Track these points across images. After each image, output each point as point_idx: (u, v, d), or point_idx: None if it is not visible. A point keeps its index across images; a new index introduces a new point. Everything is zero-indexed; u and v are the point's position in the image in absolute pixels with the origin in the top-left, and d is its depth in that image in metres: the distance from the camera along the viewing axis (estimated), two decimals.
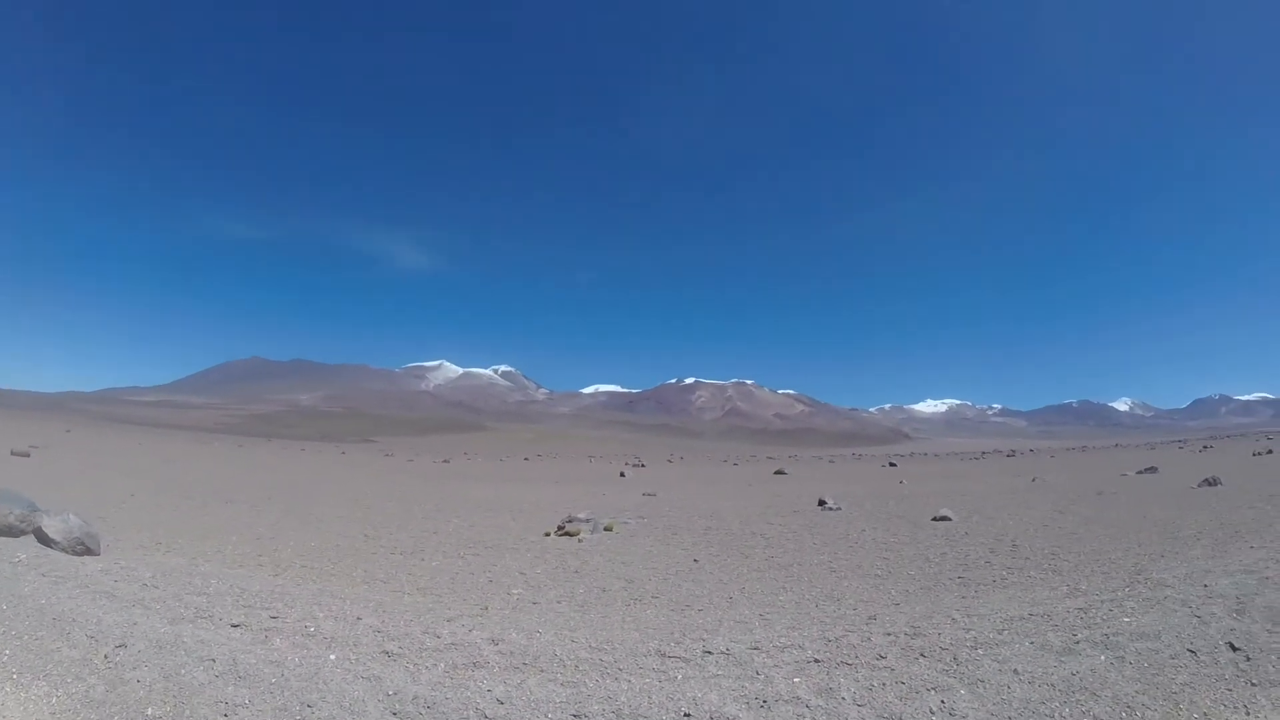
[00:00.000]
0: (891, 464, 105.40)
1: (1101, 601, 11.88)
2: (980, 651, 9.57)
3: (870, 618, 12.26)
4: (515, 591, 16.22)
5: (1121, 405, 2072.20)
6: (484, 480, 61.02)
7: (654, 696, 8.63)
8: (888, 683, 8.82)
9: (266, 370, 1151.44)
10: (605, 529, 26.92)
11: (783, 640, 10.69)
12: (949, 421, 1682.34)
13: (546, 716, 8.21)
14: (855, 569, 18.42)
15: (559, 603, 15.12)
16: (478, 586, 16.90)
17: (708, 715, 8.11)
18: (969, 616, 11.52)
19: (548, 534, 25.55)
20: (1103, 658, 9.16)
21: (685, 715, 8.08)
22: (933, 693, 8.45)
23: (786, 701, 8.42)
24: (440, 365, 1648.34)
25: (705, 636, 11.15)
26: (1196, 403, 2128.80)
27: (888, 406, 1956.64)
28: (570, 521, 27.04)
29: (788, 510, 32.90)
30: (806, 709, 8.25)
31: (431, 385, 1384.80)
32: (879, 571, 18.00)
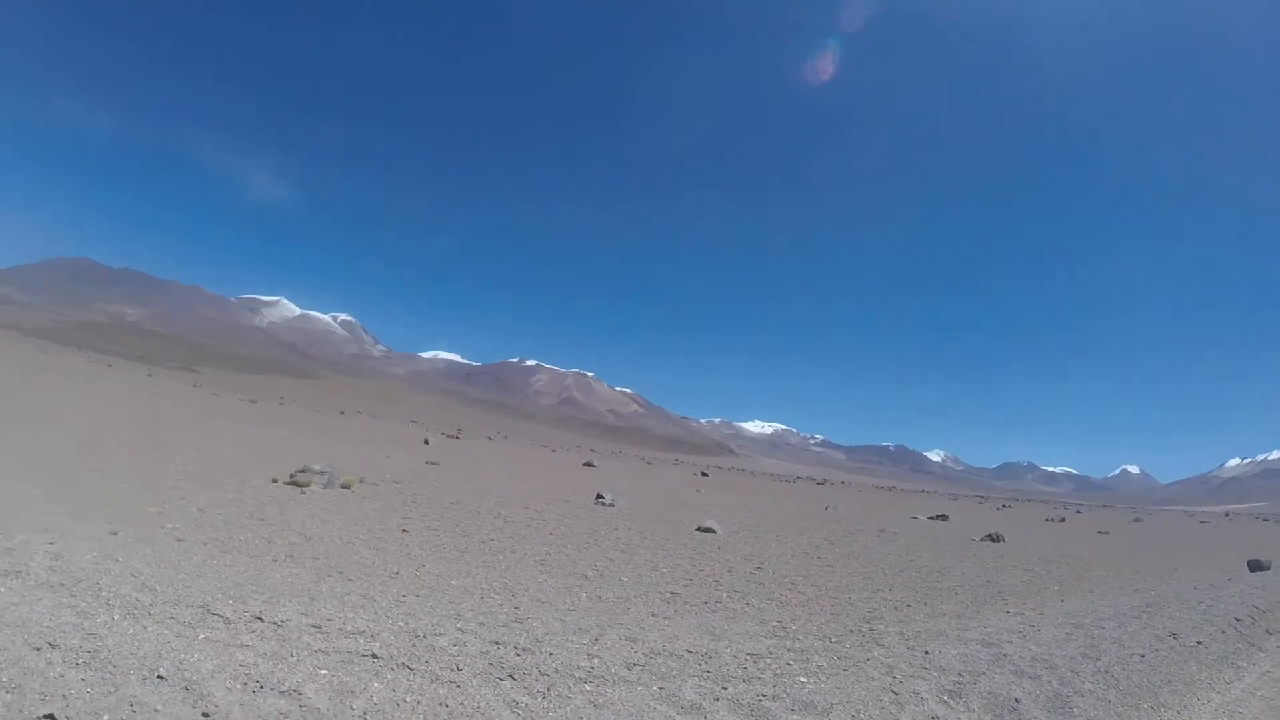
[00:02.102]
0: (704, 473, 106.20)
1: (794, 650, 10.28)
2: (594, 688, 7.92)
3: (517, 620, 10.65)
4: (170, 525, 15.15)
5: (935, 455, 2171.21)
6: (279, 426, 59.39)
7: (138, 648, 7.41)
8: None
9: (95, 275, 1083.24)
10: (342, 485, 25.29)
11: (346, 620, 9.28)
12: (773, 443, 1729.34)
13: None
14: (567, 566, 17.19)
15: (204, 545, 14.02)
16: (145, 518, 15.52)
17: (181, 677, 6.85)
18: (632, 642, 9.78)
19: (275, 480, 24.16)
20: None
21: (159, 677, 6.80)
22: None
23: (283, 694, 6.89)
24: (278, 302, 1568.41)
25: (272, 602, 9.75)
26: (1005, 465, 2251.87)
27: (718, 420, 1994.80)
28: (303, 472, 25.00)
29: (559, 499, 31.70)
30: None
31: (265, 322, 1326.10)
32: (590, 573, 16.57)
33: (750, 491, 67.32)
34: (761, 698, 8.09)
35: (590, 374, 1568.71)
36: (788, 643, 10.76)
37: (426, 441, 71.69)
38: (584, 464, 78.10)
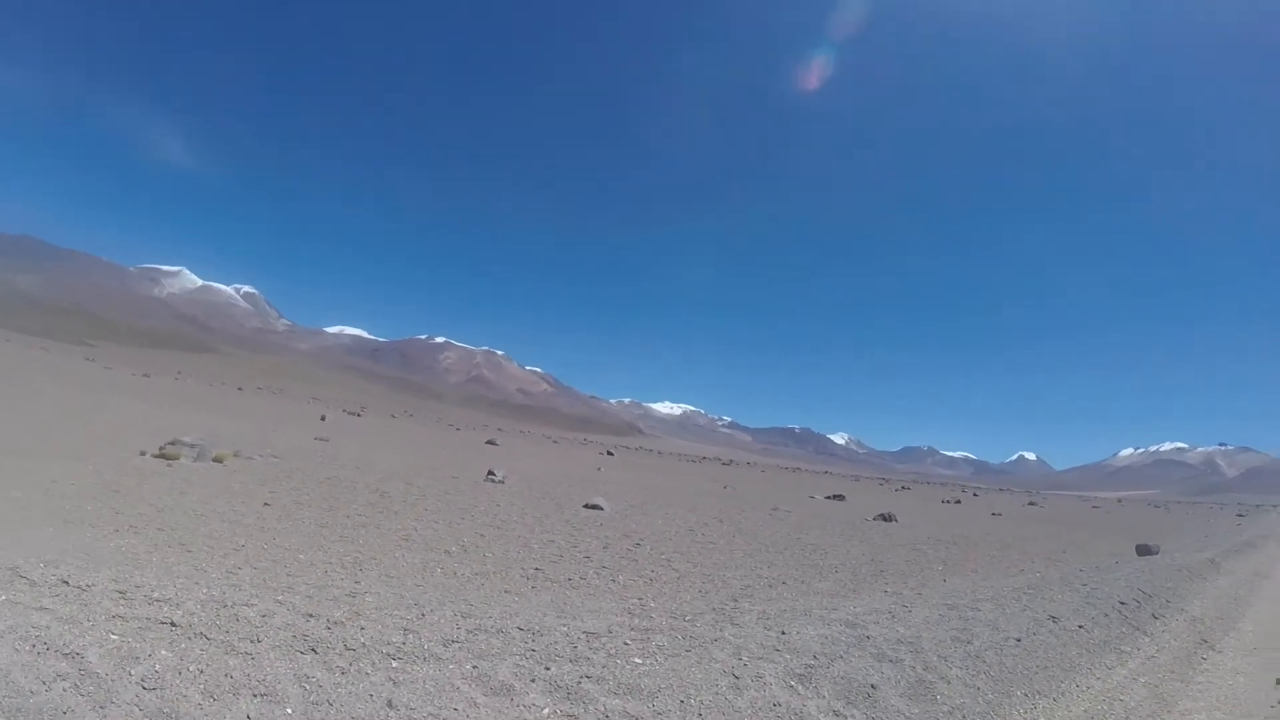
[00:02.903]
0: (609, 453, 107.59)
1: (639, 629, 9.63)
2: (401, 664, 7.38)
3: (350, 594, 10.05)
4: (14, 494, 14.99)
5: (839, 438, 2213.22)
6: (166, 401, 57.43)
7: None
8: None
9: None
10: (214, 459, 24.40)
11: (155, 588, 8.80)
12: (682, 424, 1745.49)
13: None
14: (432, 541, 16.44)
15: (45, 515, 13.67)
16: None
17: None
18: (464, 618, 9.23)
19: (143, 453, 23.58)
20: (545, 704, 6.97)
21: None
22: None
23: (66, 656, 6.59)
24: (179, 272, 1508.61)
25: (87, 568, 9.41)
26: (906, 449, 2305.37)
27: (627, 400, 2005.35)
28: (172, 444, 24.26)
29: (448, 476, 31.06)
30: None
31: (165, 293, 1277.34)
32: (454, 549, 15.80)
33: (652, 471, 67.69)
34: (584, 679, 7.51)
35: (500, 353, 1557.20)
36: (637, 621, 10.13)
37: (323, 418, 70.06)
38: (486, 442, 77.32)
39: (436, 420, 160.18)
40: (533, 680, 7.30)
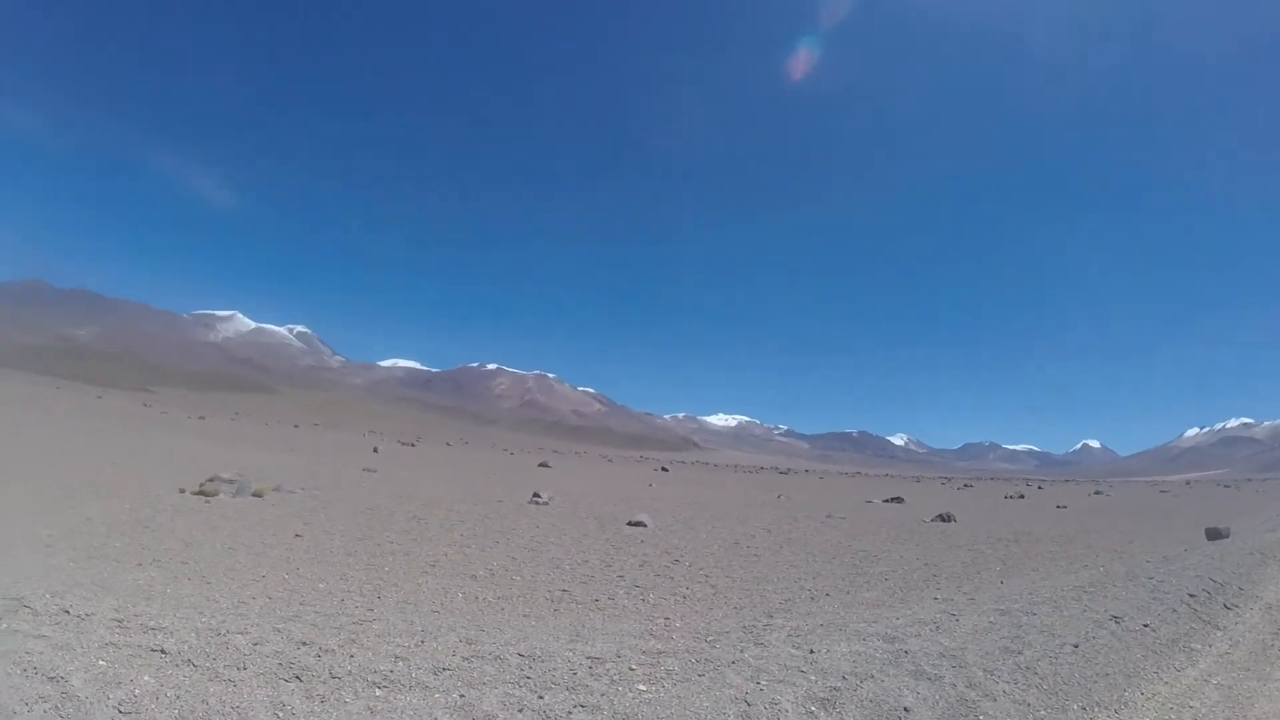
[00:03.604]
0: (664, 469, 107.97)
1: (651, 652, 8.99)
2: (385, 694, 7.16)
3: (359, 622, 9.77)
4: (45, 532, 15.25)
5: (898, 440, 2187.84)
6: (219, 441, 58.53)
7: None
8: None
9: (45, 296, 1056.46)
10: (253, 494, 24.68)
11: (154, 617, 8.87)
12: (737, 435, 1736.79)
13: None
14: (460, 567, 16.21)
15: (71, 550, 13.96)
16: (22, 525, 15.77)
17: None
18: (468, 644, 8.83)
19: (183, 490, 23.81)
20: None
21: None
22: None
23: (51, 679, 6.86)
24: (233, 316, 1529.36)
25: (91, 599, 9.55)
26: (967, 446, 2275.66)
27: (681, 415, 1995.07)
28: (211, 481, 24.60)
29: (491, 500, 30.89)
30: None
31: (220, 337, 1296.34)
32: (481, 574, 15.63)
33: (705, 484, 66.92)
34: (577, 708, 7.09)
35: (552, 375, 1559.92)
36: (653, 643, 9.48)
37: (375, 450, 70.67)
38: (538, 465, 77.36)
39: (491, 446, 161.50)
40: (520, 710, 6.93)
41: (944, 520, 33.14)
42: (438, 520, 22.89)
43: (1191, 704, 8.57)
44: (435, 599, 12.82)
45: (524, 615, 11.98)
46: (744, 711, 7.18)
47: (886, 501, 50.47)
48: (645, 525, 25.07)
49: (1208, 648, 10.86)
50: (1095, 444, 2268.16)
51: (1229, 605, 13.55)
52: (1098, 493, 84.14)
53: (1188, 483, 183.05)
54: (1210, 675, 9.65)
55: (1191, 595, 13.41)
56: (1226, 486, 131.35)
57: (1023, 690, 8.13)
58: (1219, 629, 11.97)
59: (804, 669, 8.41)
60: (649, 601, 13.64)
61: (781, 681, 7.99)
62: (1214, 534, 25.07)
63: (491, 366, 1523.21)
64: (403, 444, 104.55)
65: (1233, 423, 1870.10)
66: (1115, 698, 8.40)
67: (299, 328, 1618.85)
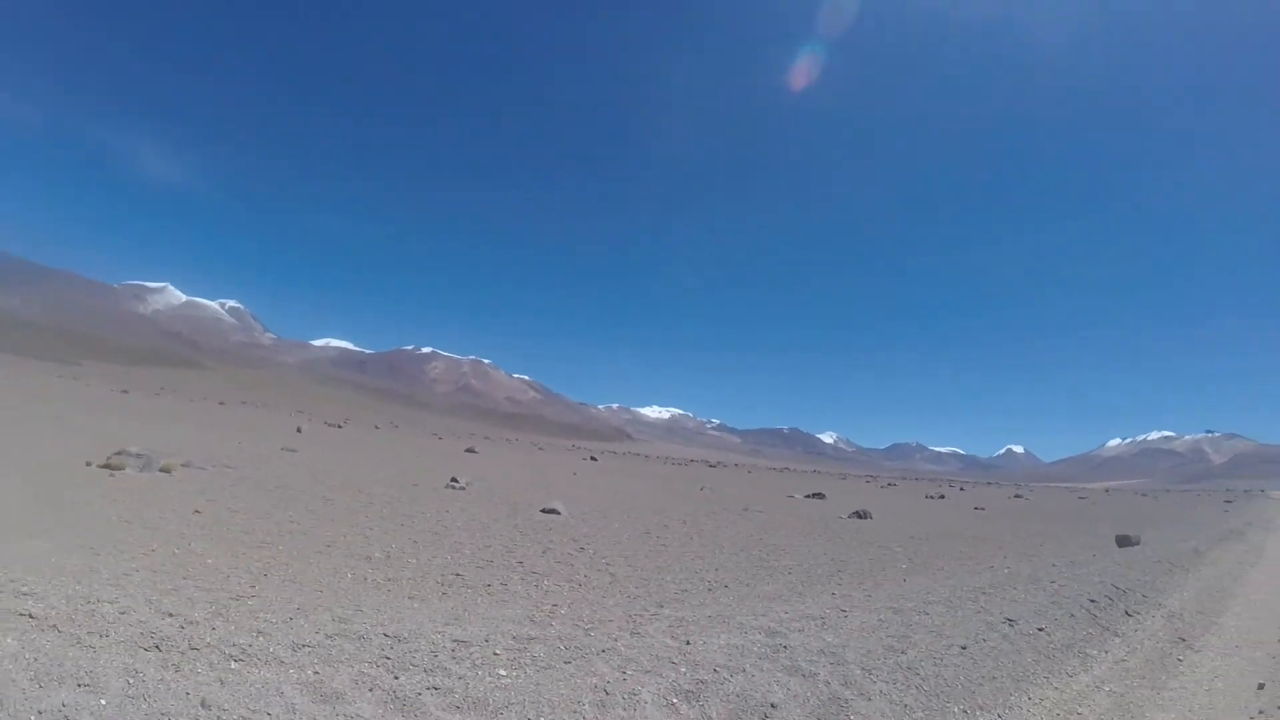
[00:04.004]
0: (593, 458, 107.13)
1: (523, 638, 8.74)
2: (240, 666, 7.06)
3: (237, 597, 9.58)
4: None
5: (827, 438, 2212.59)
6: (136, 416, 56.76)
7: None
8: None
9: None
10: (161, 469, 24.08)
11: (30, 584, 8.68)
12: (670, 428, 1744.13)
13: None
14: (358, 548, 15.87)
15: None
16: None
17: None
18: (340, 623, 8.67)
19: (89, 464, 23.25)
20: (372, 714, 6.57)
21: None
22: None
23: None
24: (164, 288, 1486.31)
25: None
26: (895, 446, 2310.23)
27: (615, 406, 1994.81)
28: (119, 455, 24.08)
29: (408, 483, 30.46)
30: None
31: (150, 310, 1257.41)
32: (378, 555, 15.22)
33: (632, 475, 66.98)
34: (430, 690, 7.00)
35: (488, 361, 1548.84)
36: (529, 629, 9.20)
37: (299, 430, 69.59)
38: (466, 450, 76.63)
39: (421, 431, 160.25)
40: (370, 690, 6.85)
41: (860, 517, 33.26)
42: (345, 502, 22.45)
43: (1080, 710, 8.37)
44: (322, 579, 12.54)
45: (409, 597, 11.71)
46: (601, 701, 7.04)
47: (808, 497, 50.71)
48: (559, 513, 24.80)
49: (1104, 654, 10.72)
50: (1019, 449, 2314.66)
51: (1130, 612, 13.49)
52: (1018, 496, 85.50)
53: (1107, 490, 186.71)
54: (1103, 682, 9.48)
55: (1092, 601, 13.29)
56: (1144, 496, 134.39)
57: (901, 691, 7.85)
58: (1117, 635, 11.86)
59: (675, 660, 8.15)
60: (541, 588, 13.38)
61: (649, 672, 7.78)
62: (1124, 541, 25.26)
63: (426, 350, 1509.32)
64: (330, 425, 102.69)
65: (1154, 435, 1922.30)
66: (1000, 701, 8.17)
67: (231, 302, 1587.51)
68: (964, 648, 9.31)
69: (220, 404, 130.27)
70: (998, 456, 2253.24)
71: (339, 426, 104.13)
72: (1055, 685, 9.05)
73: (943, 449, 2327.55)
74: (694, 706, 7.09)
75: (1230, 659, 11.35)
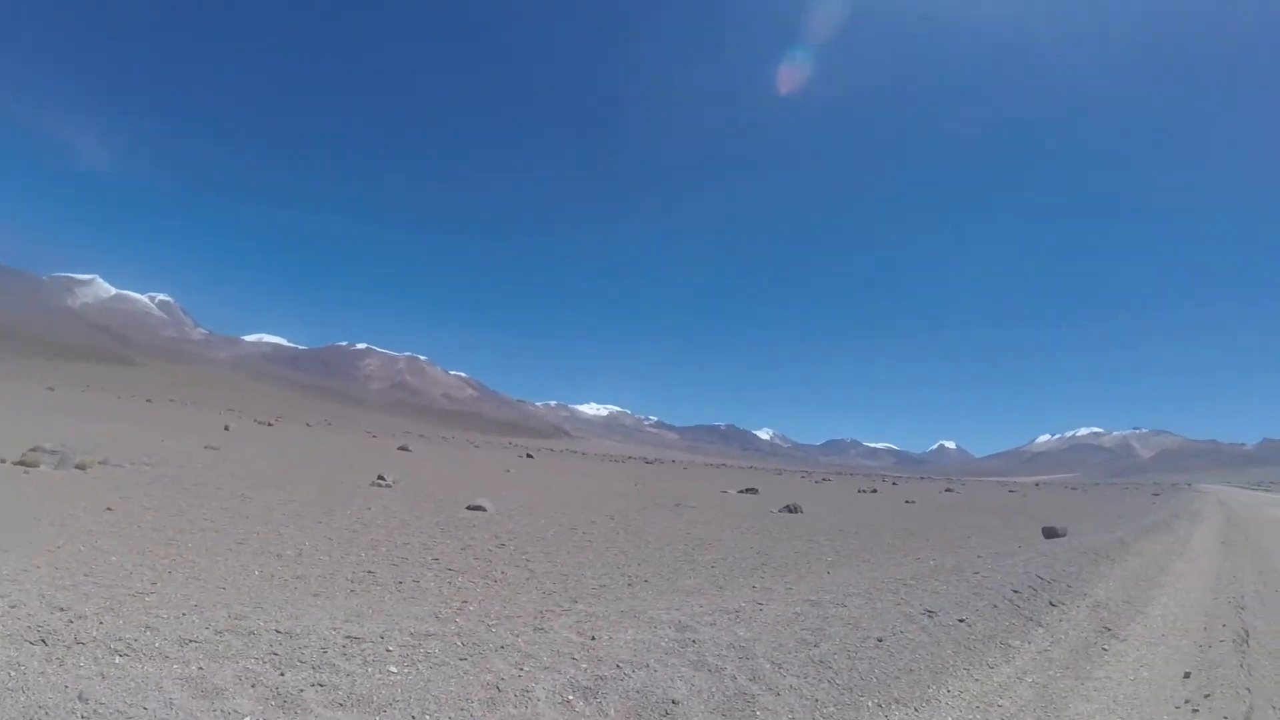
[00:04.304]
0: (529, 455, 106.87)
1: (420, 634, 8.36)
2: (123, 661, 6.83)
3: (136, 594, 9.21)
4: None
5: (764, 434, 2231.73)
6: (55, 412, 56.79)
7: None
8: None
9: None
10: (76, 466, 23.79)
11: None
12: (609, 425, 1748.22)
13: None
14: (270, 545, 15.37)
15: None
16: None
17: None
18: (236, 619, 8.32)
19: (2, 461, 23.02)
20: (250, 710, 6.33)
21: None
22: None
23: None
24: (93, 280, 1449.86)
25: None
26: (830, 442, 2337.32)
27: (554, 403, 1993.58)
28: (34, 451, 23.60)
29: (331, 481, 29.95)
30: None
31: (79, 303, 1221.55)
32: (289, 553, 14.67)
33: (567, 472, 66.77)
34: (313, 686, 6.73)
35: (424, 358, 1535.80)
36: (429, 626, 8.78)
37: (226, 428, 68.08)
38: (398, 448, 75.83)
39: (354, 428, 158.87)
40: (252, 686, 6.59)
41: (791, 511, 33.19)
42: (264, 500, 21.91)
43: (1000, 702, 8.10)
44: (227, 576, 12.07)
45: (314, 595, 11.23)
46: (491, 698, 6.77)
47: (741, 492, 50.77)
48: (484, 510, 24.38)
49: (1027, 644, 10.51)
50: (951, 445, 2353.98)
51: (1055, 602, 13.37)
52: (949, 490, 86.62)
53: (1037, 484, 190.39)
54: (1025, 673, 9.23)
55: (1016, 591, 13.16)
56: (1074, 489, 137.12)
57: (812, 685, 7.56)
58: (1041, 626, 11.68)
59: (577, 657, 7.83)
60: (455, 585, 12.92)
61: (547, 669, 7.46)
62: (1051, 533, 25.37)
63: (361, 346, 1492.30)
64: (260, 423, 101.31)
65: (1083, 431, 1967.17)
66: (917, 694, 7.88)
67: (161, 296, 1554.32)
68: (880, 640, 9.02)
69: (148, 401, 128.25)
70: (931, 452, 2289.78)
71: (269, 424, 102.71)
72: (975, 677, 8.80)
73: (877, 445, 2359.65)
74: (590, 703, 6.80)
75: (1156, 648, 11.19)
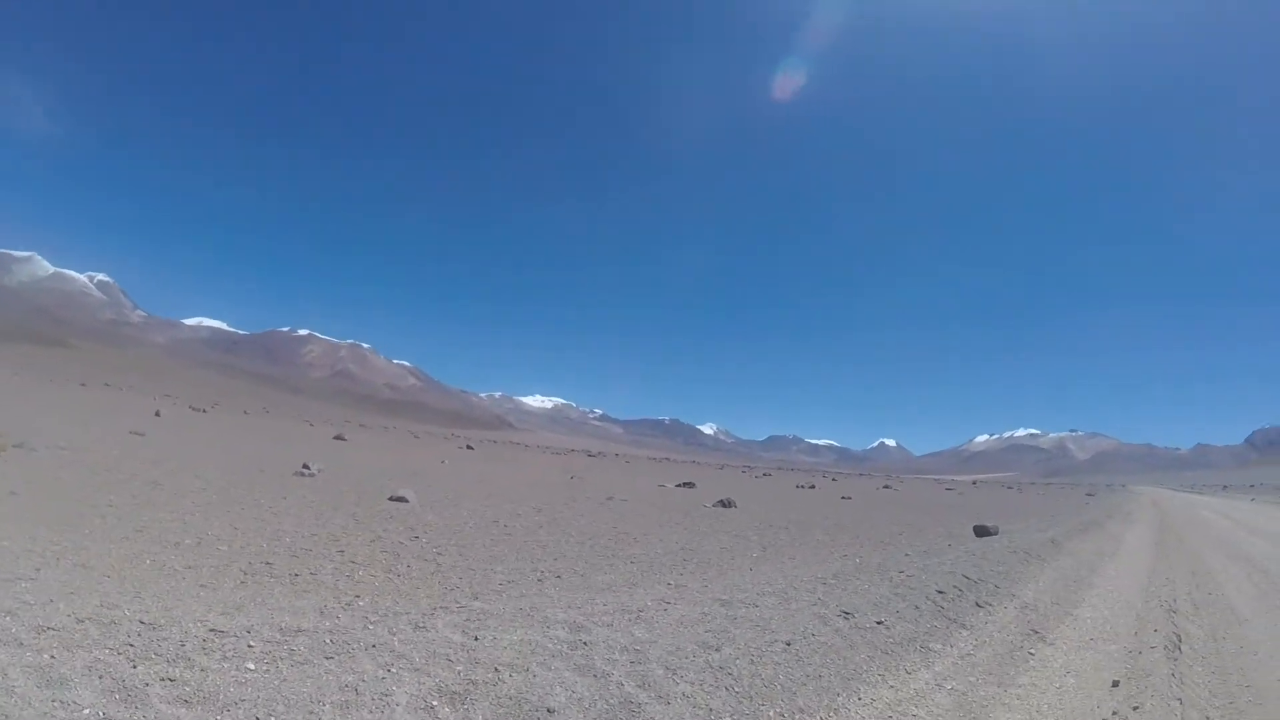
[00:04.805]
0: (469, 447, 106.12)
1: (291, 630, 7.91)
2: None
3: (13, 579, 9.06)
4: None
5: (707, 429, 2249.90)
6: None
7: None
8: None
9: None
10: None
11: None
12: (553, 417, 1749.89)
13: None
14: (171, 533, 14.79)
15: None
16: None
17: None
18: (108, 609, 7.97)
19: None
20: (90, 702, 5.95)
21: None
22: None
23: None
24: (31, 258, 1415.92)
25: None
26: (772, 437, 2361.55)
27: (498, 394, 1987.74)
28: None
29: (253, 469, 28.98)
30: None
31: (15, 281, 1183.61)
32: (189, 541, 14.19)
33: (504, 463, 66.10)
34: (161, 680, 6.33)
35: (366, 346, 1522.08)
36: (303, 621, 8.28)
37: (157, 414, 66.24)
38: (334, 437, 74.63)
39: (292, 416, 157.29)
40: (99, 677, 6.22)
41: (724, 506, 32.85)
42: (176, 487, 21.05)
43: (915, 711, 7.64)
44: (116, 564, 11.56)
45: (200, 585, 10.75)
46: (346, 701, 6.31)
47: (679, 486, 50.47)
48: (407, 501, 23.66)
49: (948, 648, 10.04)
50: (891, 443, 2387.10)
51: (981, 603, 12.97)
52: (886, 487, 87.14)
53: (974, 483, 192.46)
54: (945, 679, 8.75)
55: (940, 592, 12.77)
56: (1010, 488, 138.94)
57: (707, 693, 7.03)
58: (965, 628, 11.24)
59: (454, 658, 7.32)
60: (354, 578, 12.32)
61: (416, 670, 6.99)
62: (982, 531, 25.18)
63: (303, 332, 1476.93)
64: (194, 409, 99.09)
65: (1020, 432, 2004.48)
66: (823, 703, 7.38)
67: (100, 276, 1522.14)
68: (789, 644, 8.50)
69: (81, 385, 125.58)
70: (871, 449, 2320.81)
71: (204, 411, 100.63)
72: (890, 684, 8.30)
73: (819, 441, 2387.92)
74: (456, 710, 6.31)
75: (1084, 653, 10.80)
